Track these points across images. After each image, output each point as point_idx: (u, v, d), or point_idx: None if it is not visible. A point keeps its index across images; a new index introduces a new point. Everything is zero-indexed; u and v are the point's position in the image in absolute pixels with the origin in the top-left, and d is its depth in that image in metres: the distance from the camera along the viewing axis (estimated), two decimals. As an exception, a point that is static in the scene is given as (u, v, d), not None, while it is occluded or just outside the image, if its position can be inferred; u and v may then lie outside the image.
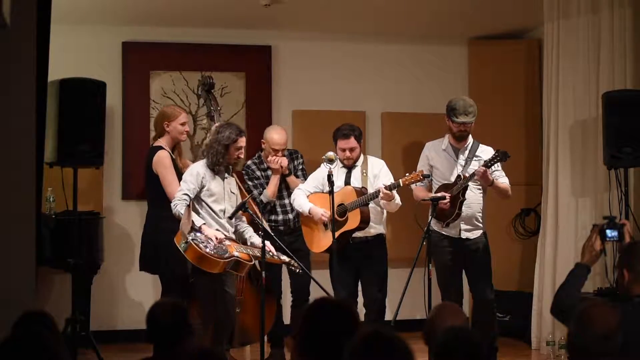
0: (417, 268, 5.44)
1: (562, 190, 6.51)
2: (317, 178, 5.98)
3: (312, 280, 5.62)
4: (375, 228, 5.89)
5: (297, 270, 5.50)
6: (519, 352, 6.60)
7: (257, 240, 5.53)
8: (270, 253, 5.40)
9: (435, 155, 5.96)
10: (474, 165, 5.78)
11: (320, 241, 5.85)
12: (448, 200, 5.67)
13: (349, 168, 5.96)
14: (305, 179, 6.13)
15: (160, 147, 5.88)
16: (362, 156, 6.02)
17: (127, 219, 7.03)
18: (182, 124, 5.98)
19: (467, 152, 5.86)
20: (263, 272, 5.17)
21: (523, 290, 7.03)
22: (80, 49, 6.94)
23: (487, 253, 5.90)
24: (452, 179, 5.80)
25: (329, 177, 5.47)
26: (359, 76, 7.54)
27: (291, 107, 7.41)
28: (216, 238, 5.36)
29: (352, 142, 5.88)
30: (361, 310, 5.93)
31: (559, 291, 3.62)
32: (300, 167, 6.31)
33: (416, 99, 7.61)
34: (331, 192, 5.43)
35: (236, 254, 5.36)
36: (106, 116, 6.26)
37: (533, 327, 6.63)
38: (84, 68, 6.49)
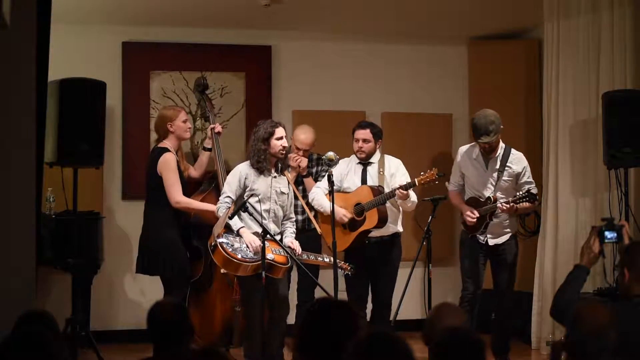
0: (417, 268, 5.45)
1: (562, 190, 6.51)
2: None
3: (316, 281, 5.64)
4: (392, 227, 5.91)
5: (347, 272, 5.50)
6: (519, 352, 6.59)
7: (286, 240, 5.54)
8: (306, 255, 5.51)
9: (466, 163, 6.02)
10: (506, 176, 5.87)
11: (340, 240, 5.81)
12: (473, 220, 5.80)
13: (364, 165, 5.98)
14: None
15: (167, 149, 5.88)
16: (378, 154, 6.03)
17: (127, 219, 7.02)
18: (184, 122, 6.01)
19: (498, 162, 5.89)
20: (263, 272, 5.16)
21: (523, 290, 7.02)
22: (80, 49, 6.94)
23: (512, 255, 5.99)
24: (483, 191, 5.88)
25: (329, 177, 5.47)
26: (359, 76, 7.54)
27: (291, 107, 7.41)
28: (252, 245, 5.34)
29: (366, 133, 5.94)
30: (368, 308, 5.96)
31: (558, 293, 3.62)
32: (323, 173, 6.30)
33: (416, 99, 7.61)
34: (331, 192, 5.42)
35: (270, 256, 5.29)
36: (106, 116, 6.26)
37: (533, 327, 6.63)
38: (84, 68, 6.49)
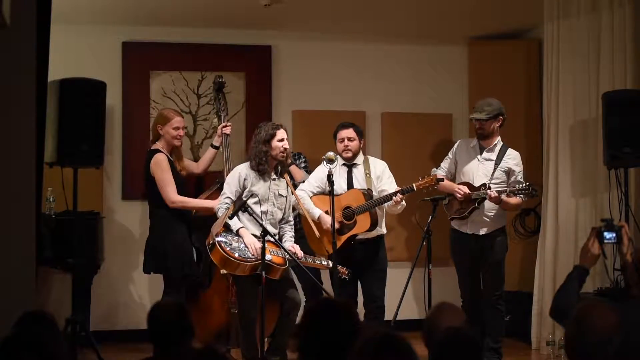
0: (417, 268, 5.46)
1: (562, 190, 6.51)
2: (319, 177, 5.98)
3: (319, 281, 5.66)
4: (377, 229, 5.91)
5: (343, 277, 5.51)
6: (519, 352, 6.59)
7: (286, 244, 5.53)
8: (306, 258, 5.51)
9: (462, 151, 6.08)
10: (501, 169, 5.91)
11: (327, 245, 5.77)
12: (462, 195, 5.83)
13: (349, 166, 5.97)
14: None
15: (158, 150, 5.88)
16: (362, 155, 6.04)
17: (127, 219, 7.03)
18: (175, 129, 5.95)
19: (495, 154, 5.95)
20: (263, 273, 5.17)
21: (523, 290, 7.03)
22: (80, 49, 6.94)
23: (498, 253, 5.96)
24: (475, 179, 5.91)
25: (329, 177, 5.47)
26: (359, 76, 7.55)
27: (291, 107, 7.41)
28: (252, 246, 5.35)
29: (350, 132, 5.95)
30: (360, 310, 5.94)
31: (558, 294, 3.62)
32: (302, 166, 6.35)
33: (416, 99, 7.62)
34: (331, 192, 5.42)
35: (268, 257, 5.29)
36: (106, 116, 6.26)
37: (533, 327, 6.63)
38: (84, 68, 6.49)
